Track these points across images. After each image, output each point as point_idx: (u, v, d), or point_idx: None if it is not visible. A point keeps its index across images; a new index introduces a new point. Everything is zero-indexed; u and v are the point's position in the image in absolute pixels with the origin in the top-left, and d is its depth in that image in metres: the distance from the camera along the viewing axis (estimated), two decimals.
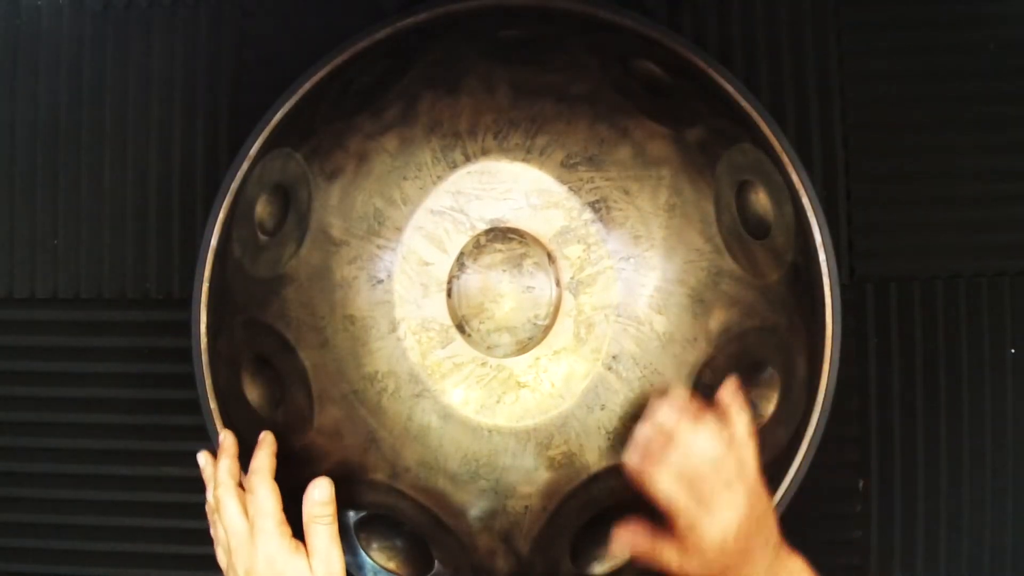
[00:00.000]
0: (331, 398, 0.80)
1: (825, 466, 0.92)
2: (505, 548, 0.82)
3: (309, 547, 0.77)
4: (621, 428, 0.79)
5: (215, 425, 0.91)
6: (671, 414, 0.77)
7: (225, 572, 0.81)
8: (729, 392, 0.80)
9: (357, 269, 0.80)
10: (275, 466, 0.80)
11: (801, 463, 0.87)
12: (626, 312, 0.78)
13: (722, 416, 0.78)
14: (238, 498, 0.79)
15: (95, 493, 1.07)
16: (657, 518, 0.79)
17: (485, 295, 0.78)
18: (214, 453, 0.85)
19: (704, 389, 0.80)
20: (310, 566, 0.76)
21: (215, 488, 0.81)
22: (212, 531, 0.83)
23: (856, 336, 1.03)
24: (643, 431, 0.77)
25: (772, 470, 0.86)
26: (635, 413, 0.79)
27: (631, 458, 0.77)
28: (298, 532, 0.78)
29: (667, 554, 0.77)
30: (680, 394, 0.79)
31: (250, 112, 0.94)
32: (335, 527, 0.78)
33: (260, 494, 0.78)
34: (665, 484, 0.76)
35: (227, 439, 0.84)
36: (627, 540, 0.79)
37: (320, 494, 0.77)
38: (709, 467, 0.76)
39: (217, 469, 0.81)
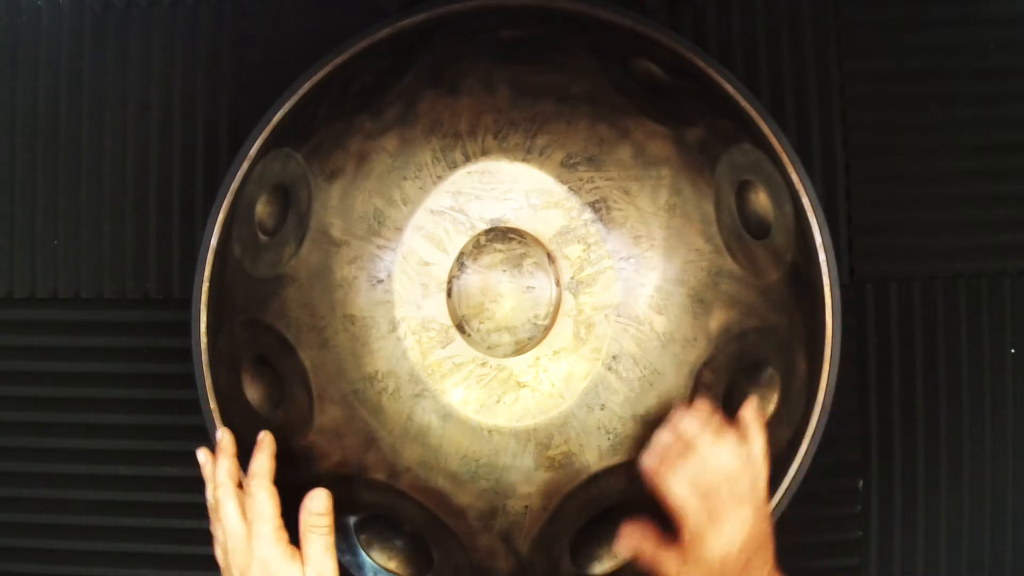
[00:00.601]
0: (331, 398, 0.80)
1: (825, 466, 0.92)
2: (505, 548, 0.82)
3: (304, 555, 0.77)
4: (622, 429, 0.79)
5: (215, 425, 0.91)
6: (693, 424, 0.78)
7: (223, 571, 0.81)
8: (750, 411, 0.80)
9: (357, 269, 0.80)
10: (274, 468, 0.80)
11: (801, 463, 0.87)
12: (626, 312, 0.78)
13: (741, 434, 0.79)
14: (237, 499, 0.79)
15: (95, 493, 1.07)
16: (659, 522, 0.79)
17: (485, 295, 0.78)
18: (213, 450, 0.85)
19: (704, 389, 0.80)
20: (303, 573, 0.76)
21: (214, 489, 0.80)
22: (212, 529, 0.83)
23: (856, 336, 1.03)
24: (664, 436, 0.78)
25: (772, 470, 0.86)
26: (641, 414, 0.79)
27: (649, 460, 0.78)
28: (295, 538, 0.78)
29: (668, 562, 0.78)
30: (704, 407, 0.79)
31: (250, 112, 0.93)
32: (331, 538, 0.77)
33: (259, 498, 0.77)
34: (679, 490, 0.76)
35: (225, 438, 0.83)
36: (633, 539, 0.79)
37: (317, 505, 0.77)
38: (724, 481, 0.77)
39: (216, 469, 0.81)
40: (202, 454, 0.83)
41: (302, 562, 0.76)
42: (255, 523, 0.77)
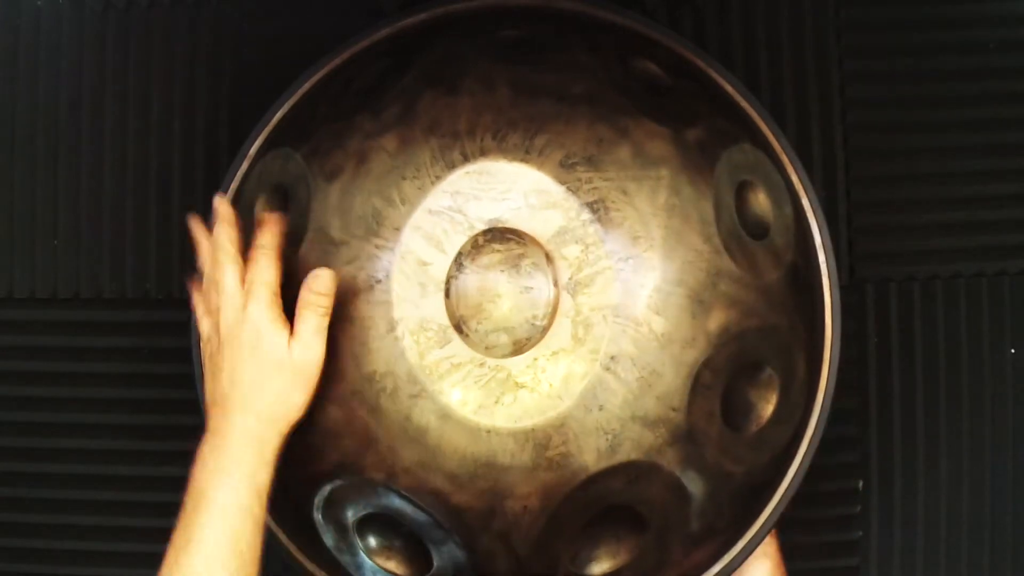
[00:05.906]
0: (329, 398, 0.80)
1: (825, 467, 0.92)
2: (504, 549, 0.82)
3: (295, 330, 0.77)
4: (621, 430, 0.79)
5: None
6: None
7: (204, 341, 0.80)
8: None
9: (356, 269, 0.80)
10: (282, 245, 0.79)
11: (800, 463, 0.87)
12: (624, 313, 0.78)
13: None
14: (237, 265, 0.78)
15: (95, 493, 1.07)
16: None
17: (483, 295, 0.78)
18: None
19: (703, 390, 0.80)
20: (289, 346, 0.76)
21: (214, 252, 0.79)
22: (195, 302, 0.82)
23: (856, 336, 1.03)
24: None
25: (772, 470, 0.86)
26: (640, 415, 0.79)
27: None
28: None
29: None
30: None
31: (250, 112, 0.94)
32: (325, 320, 0.77)
33: (262, 264, 0.77)
34: None
35: (223, 207, 0.81)
36: None
37: (320, 284, 0.77)
38: None
39: (216, 234, 0.80)
40: (195, 223, 0.83)
41: (291, 334, 0.77)
42: (254, 286, 0.77)
